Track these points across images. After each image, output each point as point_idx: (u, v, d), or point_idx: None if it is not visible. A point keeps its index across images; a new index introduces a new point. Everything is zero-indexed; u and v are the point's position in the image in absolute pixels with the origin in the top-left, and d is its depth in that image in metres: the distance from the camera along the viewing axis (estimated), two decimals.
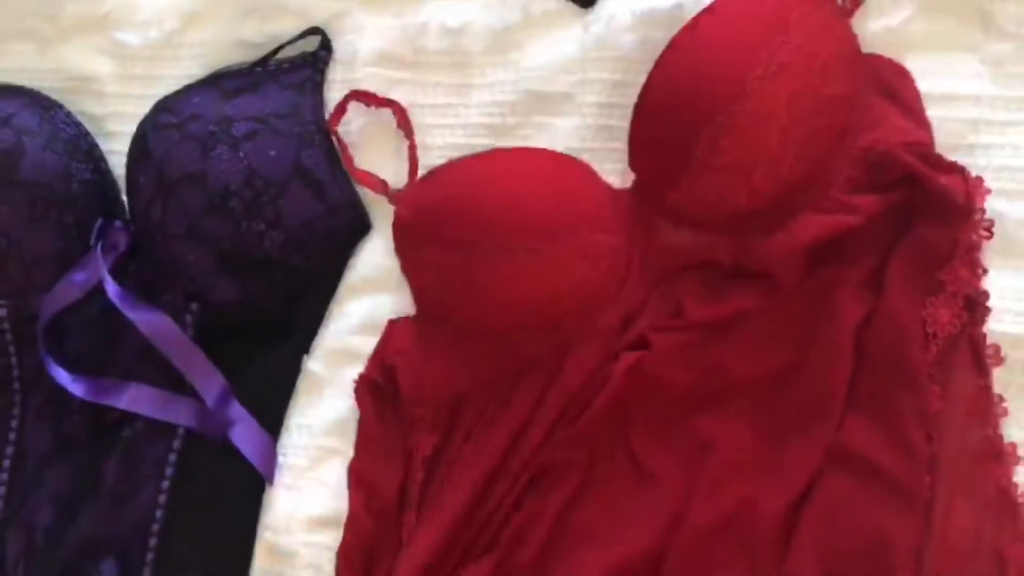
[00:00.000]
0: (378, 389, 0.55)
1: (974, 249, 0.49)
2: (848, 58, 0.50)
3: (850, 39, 0.51)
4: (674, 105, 0.50)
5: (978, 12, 0.53)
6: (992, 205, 0.51)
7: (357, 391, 0.56)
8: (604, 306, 0.53)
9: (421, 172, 0.58)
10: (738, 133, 0.48)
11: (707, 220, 0.52)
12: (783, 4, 0.49)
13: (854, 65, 0.50)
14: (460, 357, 0.54)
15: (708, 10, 0.50)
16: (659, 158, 0.52)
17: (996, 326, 0.51)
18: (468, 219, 0.51)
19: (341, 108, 0.59)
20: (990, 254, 0.51)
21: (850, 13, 0.52)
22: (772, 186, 0.50)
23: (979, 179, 0.50)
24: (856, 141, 0.50)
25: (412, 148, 0.58)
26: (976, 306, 0.48)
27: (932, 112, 0.54)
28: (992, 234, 0.50)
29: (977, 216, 0.49)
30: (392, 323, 0.57)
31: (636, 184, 0.54)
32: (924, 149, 0.50)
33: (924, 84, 0.54)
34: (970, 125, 0.53)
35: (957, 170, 0.50)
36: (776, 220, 0.51)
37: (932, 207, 0.49)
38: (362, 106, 0.59)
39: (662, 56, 0.50)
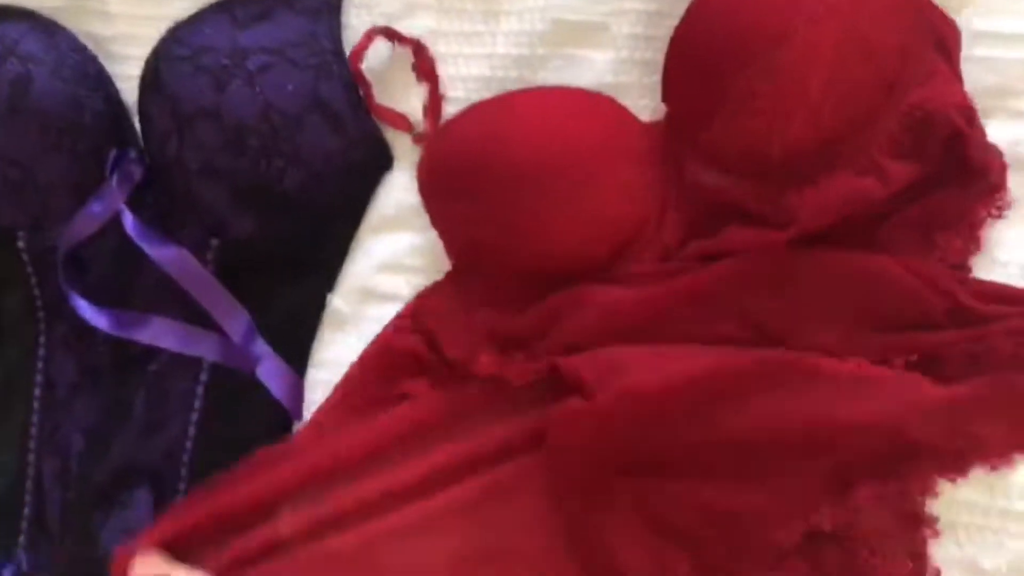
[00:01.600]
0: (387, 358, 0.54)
1: (979, 225, 0.47)
2: (902, 5, 0.46)
3: None
4: (712, 43, 0.46)
5: None
6: None
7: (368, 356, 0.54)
8: (644, 242, 0.51)
9: (443, 105, 0.55)
10: (778, 78, 0.45)
11: (737, 165, 0.49)
12: None
13: (908, 13, 0.46)
14: (503, 303, 0.52)
15: None
16: (693, 97, 0.49)
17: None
18: (496, 166, 0.49)
19: (363, 44, 0.55)
20: None
21: None
22: (808, 136, 0.47)
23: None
24: (904, 96, 0.47)
25: (435, 94, 0.54)
26: None
27: (995, 53, 0.49)
28: (1002, 215, 0.47)
29: (999, 195, 0.46)
30: (423, 293, 0.55)
31: (668, 119, 0.51)
32: (973, 114, 0.46)
33: (988, 22, 0.49)
34: None
35: (994, 148, 0.47)
36: (808, 174, 0.48)
37: (959, 176, 0.46)
38: (383, 38, 0.55)
39: None
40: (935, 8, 0.48)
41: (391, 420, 0.52)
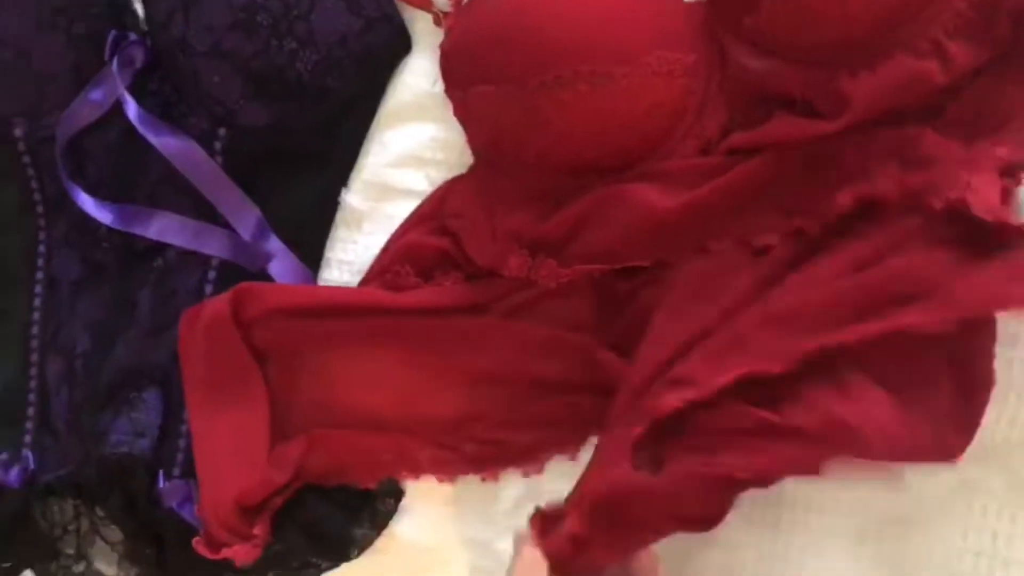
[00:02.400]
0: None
1: None
2: None
3: None
4: None
5: None
6: None
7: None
8: (682, 133, 0.47)
9: None
10: None
11: (786, 47, 0.46)
12: None
13: None
14: (527, 208, 0.49)
15: None
16: None
17: None
18: (523, 46, 0.45)
19: None
20: None
21: None
22: (867, 14, 0.43)
23: None
24: None
25: None
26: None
27: None
28: None
29: None
30: (446, 185, 0.52)
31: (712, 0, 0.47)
32: None
33: None
34: None
35: None
36: (864, 57, 0.44)
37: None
38: None
39: None
40: None
41: (415, 294, 0.50)
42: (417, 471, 0.52)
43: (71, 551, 0.60)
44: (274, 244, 0.56)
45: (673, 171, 0.48)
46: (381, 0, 0.52)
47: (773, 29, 0.45)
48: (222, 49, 0.51)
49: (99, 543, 0.61)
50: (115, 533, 0.61)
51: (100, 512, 0.59)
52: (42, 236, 0.61)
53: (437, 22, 0.52)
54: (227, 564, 0.54)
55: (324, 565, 0.55)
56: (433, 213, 0.52)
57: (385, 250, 0.53)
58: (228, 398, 0.53)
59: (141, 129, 0.54)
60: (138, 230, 0.57)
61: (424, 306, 0.51)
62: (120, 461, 0.56)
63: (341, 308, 0.51)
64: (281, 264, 0.56)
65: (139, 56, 0.56)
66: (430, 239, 0.52)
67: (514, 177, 0.50)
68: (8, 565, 0.60)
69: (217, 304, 0.52)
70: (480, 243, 0.50)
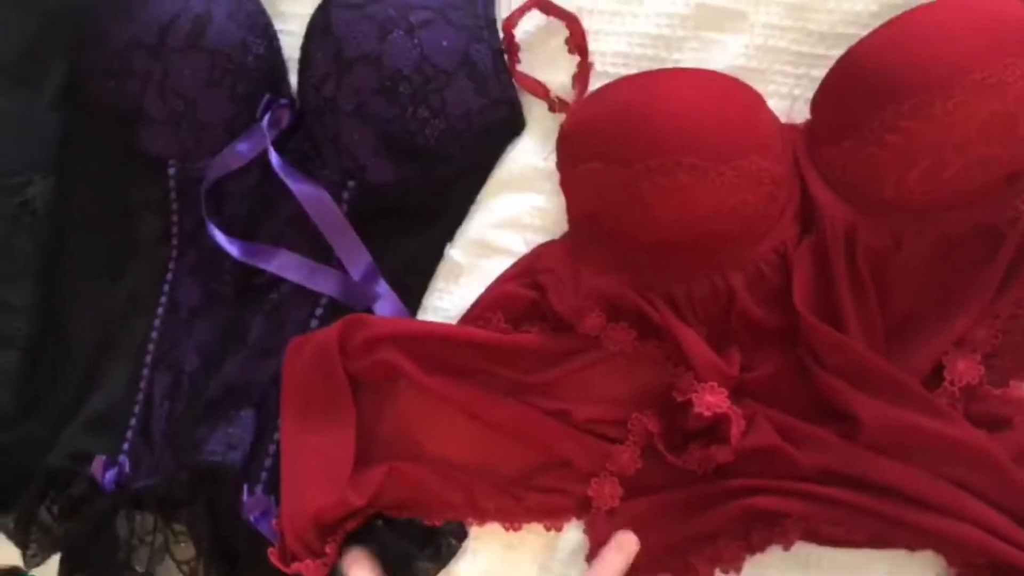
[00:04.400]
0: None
1: None
2: None
3: None
4: (881, 66, 0.48)
5: None
6: None
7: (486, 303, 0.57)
8: (761, 235, 0.52)
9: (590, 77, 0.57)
10: (924, 122, 0.46)
11: (848, 190, 0.51)
12: None
13: None
14: (612, 275, 0.54)
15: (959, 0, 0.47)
16: (837, 110, 0.50)
17: None
18: (634, 132, 0.50)
19: (521, 11, 0.58)
20: None
21: None
22: (922, 189, 0.48)
23: None
24: (1021, 191, 0.48)
25: (584, 64, 0.57)
26: None
27: None
28: None
29: None
30: (541, 247, 0.57)
31: (807, 126, 0.53)
32: None
33: None
34: None
35: None
36: (907, 227, 0.49)
37: None
38: (535, 10, 0.59)
39: (896, 18, 0.48)
40: None
41: (504, 336, 0.55)
42: (483, 517, 0.55)
43: (140, 568, 0.63)
44: (381, 287, 0.61)
45: (757, 272, 0.52)
46: (505, 85, 0.60)
47: (845, 168, 0.51)
48: (366, 110, 0.58)
49: (167, 561, 0.63)
50: (187, 551, 0.63)
51: (177, 527, 0.62)
52: (172, 265, 0.67)
53: (552, 109, 0.59)
54: None
55: None
56: (527, 270, 0.58)
57: (481, 299, 0.58)
58: (320, 419, 0.57)
59: (281, 174, 0.61)
60: (260, 264, 0.63)
61: (508, 345, 0.55)
62: (212, 469, 0.59)
63: (439, 339, 0.56)
64: (385, 305, 0.61)
65: (285, 118, 0.64)
66: (522, 291, 0.56)
67: (604, 247, 0.55)
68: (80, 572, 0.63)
69: (327, 332, 0.57)
70: (563, 296, 0.55)
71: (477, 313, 0.57)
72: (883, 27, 0.48)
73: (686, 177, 0.49)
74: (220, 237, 0.63)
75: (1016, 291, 0.48)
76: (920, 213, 0.49)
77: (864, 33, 0.51)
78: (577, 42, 0.57)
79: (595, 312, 0.53)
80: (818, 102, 0.52)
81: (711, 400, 0.48)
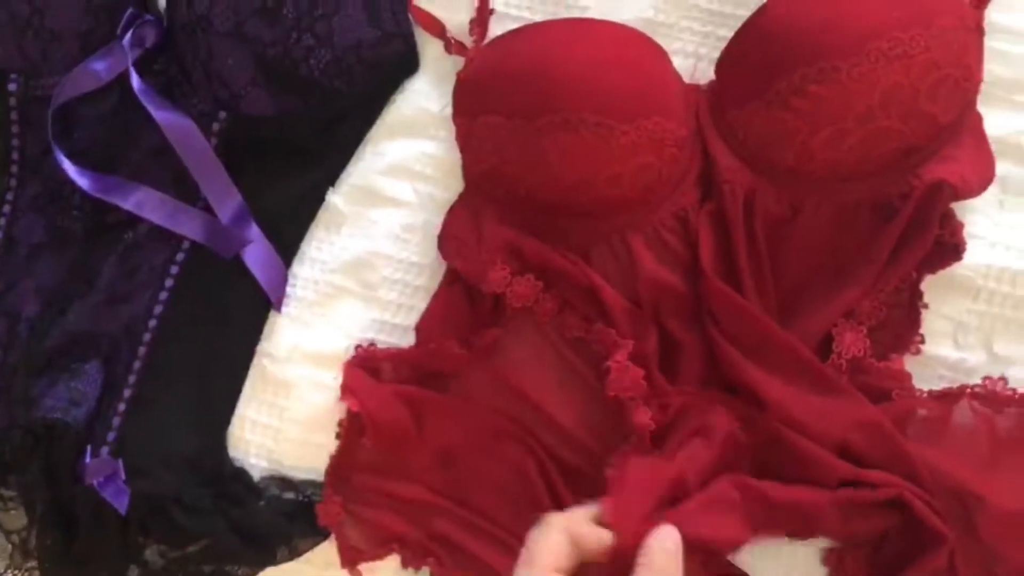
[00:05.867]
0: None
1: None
2: (963, 89, 0.47)
3: (974, 76, 0.47)
4: (788, 30, 0.46)
5: None
6: None
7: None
8: (662, 198, 0.50)
9: (489, 22, 0.54)
10: (830, 87, 0.45)
11: (751, 154, 0.49)
12: (939, 5, 0.46)
13: (965, 96, 0.47)
14: (514, 229, 0.50)
15: None
16: (743, 72, 0.48)
17: (1020, 265, 0.50)
18: (537, 86, 0.47)
19: None
20: None
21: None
22: (822, 157, 0.47)
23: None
24: (918, 168, 0.47)
25: (484, 8, 0.53)
26: None
27: (1011, 48, 0.52)
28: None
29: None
30: (446, 218, 0.53)
31: (711, 88, 0.51)
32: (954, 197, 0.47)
33: (1010, 17, 0.52)
34: None
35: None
36: (806, 195, 0.49)
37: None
38: None
39: None
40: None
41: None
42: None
43: None
44: (252, 232, 0.56)
45: (658, 237, 0.50)
46: (399, 18, 0.55)
47: (748, 132, 0.49)
48: (243, 32, 0.52)
49: None
50: (16, 520, 0.56)
51: (6, 493, 0.55)
52: (10, 196, 0.59)
53: (448, 50, 0.55)
54: (136, 555, 0.50)
55: (241, 572, 0.53)
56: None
57: (425, 320, 0.54)
58: None
59: (143, 100, 0.55)
60: (115, 200, 0.56)
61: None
62: (50, 427, 0.53)
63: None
64: (256, 252, 0.56)
65: (151, 36, 0.57)
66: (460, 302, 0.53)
67: (503, 207, 0.51)
68: None
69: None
70: (468, 258, 0.51)
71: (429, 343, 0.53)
72: None
73: (589, 135, 0.47)
74: (69, 167, 0.56)
75: (903, 266, 0.48)
76: (820, 182, 0.48)
77: None
78: None
79: (498, 265, 0.49)
80: (723, 63, 0.50)
81: (642, 420, 0.47)
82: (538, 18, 0.54)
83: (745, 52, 0.48)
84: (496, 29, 0.54)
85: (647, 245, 0.50)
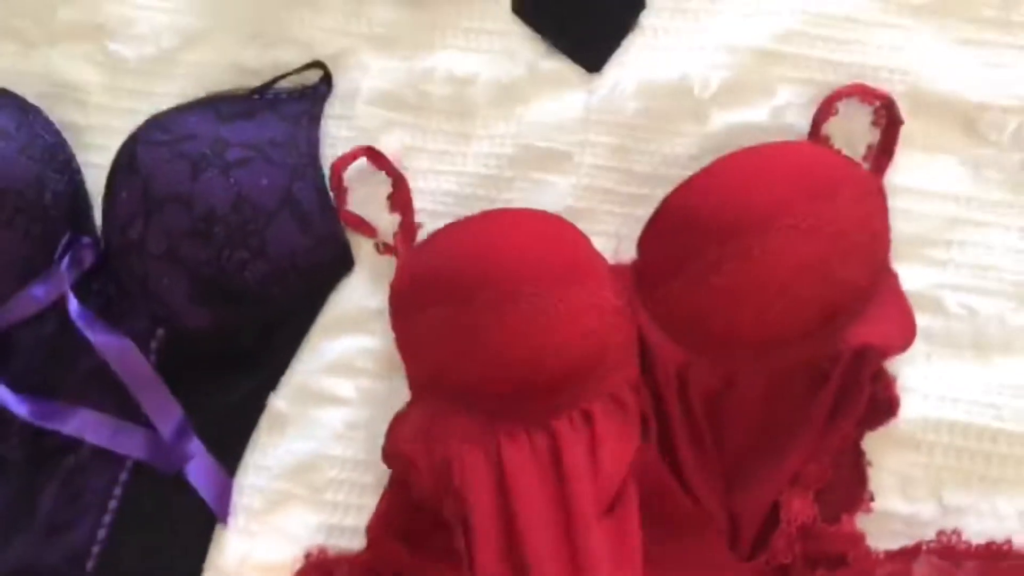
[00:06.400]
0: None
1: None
2: (874, 252, 0.49)
3: (883, 238, 0.50)
4: (702, 209, 0.48)
5: (962, 118, 0.55)
6: (966, 300, 0.52)
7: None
8: (610, 367, 0.50)
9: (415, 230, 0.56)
10: (748, 261, 0.47)
11: (680, 332, 0.50)
12: (842, 173, 0.48)
13: (877, 258, 0.50)
14: (463, 429, 0.50)
15: (778, 145, 0.49)
16: (662, 252, 0.50)
17: (965, 417, 0.51)
18: (469, 270, 0.48)
19: (349, 158, 0.55)
20: (963, 347, 0.52)
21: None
22: (748, 327, 0.48)
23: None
24: (843, 331, 0.48)
25: (408, 225, 0.55)
26: None
27: (914, 206, 0.55)
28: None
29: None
30: (395, 419, 0.53)
31: (634, 268, 0.52)
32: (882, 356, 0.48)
33: (909, 178, 0.55)
34: (948, 222, 0.55)
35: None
36: (739, 365, 0.50)
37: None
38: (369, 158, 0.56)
39: (713, 163, 0.49)
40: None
41: None
42: None
43: None
44: (194, 445, 0.55)
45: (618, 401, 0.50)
46: (331, 223, 0.56)
47: (675, 309, 0.50)
48: (177, 253, 0.53)
49: None
50: None
51: None
52: None
53: (379, 251, 0.57)
54: None
55: None
56: (391, 452, 0.52)
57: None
58: None
59: (79, 324, 0.55)
60: (55, 425, 0.56)
61: None
62: None
63: None
64: (198, 466, 0.55)
65: (88, 258, 0.58)
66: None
67: (455, 407, 0.51)
68: None
69: None
70: (421, 477, 0.50)
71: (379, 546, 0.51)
72: (701, 172, 0.49)
73: (528, 306, 0.47)
74: (5, 394, 0.55)
75: (842, 427, 0.48)
76: (750, 351, 0.49)
77: (686, 174, 0.52)
78: (401, 200, 0.56)
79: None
80: (643, 243, 0.52)
81: None
82: (465, 214, 0.56)
83: (662, 233, 0.50)
84: (427, 223, 0.56)
85: (605, 414, 0.49)
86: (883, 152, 0.53)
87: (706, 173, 0.49)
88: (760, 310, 0.47)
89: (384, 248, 0.55)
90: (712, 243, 0.47)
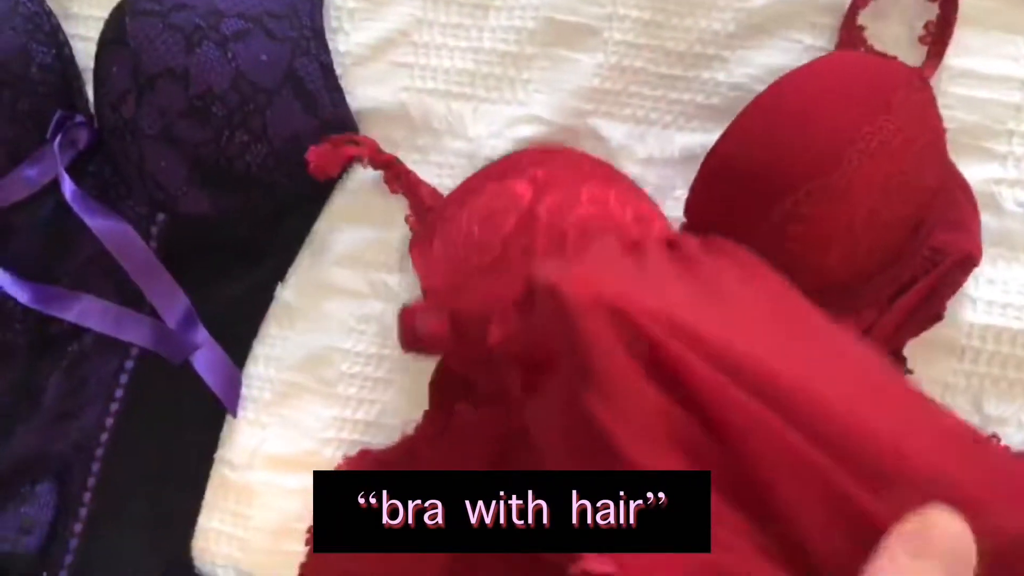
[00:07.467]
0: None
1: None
2: (940, 149, 0.45)
3: (941, 130, 0.45)
4: (756, 162, 0.43)
5: None
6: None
7: None
8: None
9: (421, 101, 0.52)
10: (824, 204, 0.42)
11: None
12: (886, 82, 0.43)
13: (944, 156, 0.46)
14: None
15: (807, 71, 0.43)
16: (725, 217, 0.44)
17: (1016, 323, 0.48)
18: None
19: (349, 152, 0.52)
20: (1018, 249, 0.49)
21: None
22: (841, 269, 0.44)
23: None
24: (928, 238, 0.45)
25: (416, 204, 0.52)
26: None
27: (976, 92, 0.50)
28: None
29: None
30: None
31: (685, 230, 0.47)
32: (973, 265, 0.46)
33: (973, 61, 0.49)
34: (1012, 110, 0.50)
35: None
36: (839, 309, 0.44)
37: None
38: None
39: (751, 104, 0.43)
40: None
41: None
42: None
43: None
44: (201, 335, 0.53)
45: None
46: (337, 102, 0.52)
47: None
48: (173, 134, 0.50)
49: None
50: None
51: None
52: None
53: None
54: None
55: None
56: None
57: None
58: None
59: (75, 208, 0.52)
60: (57, 312, 0.54)
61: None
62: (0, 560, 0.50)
63: None
64: (206, 356, 0.53)
65: (82, 138, 0.54)
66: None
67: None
68: None
69: None
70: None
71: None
72: (741, 118, 0.43)
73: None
74: (5, 279, 0.53)
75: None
76: (842, 291, 0.45)
77: (725, 54, 0.47)
78: (403, 183, 0.52)
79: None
80: (693, 205, 0.46)
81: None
82: (480, 95, 0.51)
83: (717, 189, 0.45)
84: (437, 104, 0.52)
85: None
86: (942, 31, 0.47)
87: (747, 118, 0.43)
88: (849, 248, 0.43)
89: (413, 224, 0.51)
90: (783, 191, 0.42)
